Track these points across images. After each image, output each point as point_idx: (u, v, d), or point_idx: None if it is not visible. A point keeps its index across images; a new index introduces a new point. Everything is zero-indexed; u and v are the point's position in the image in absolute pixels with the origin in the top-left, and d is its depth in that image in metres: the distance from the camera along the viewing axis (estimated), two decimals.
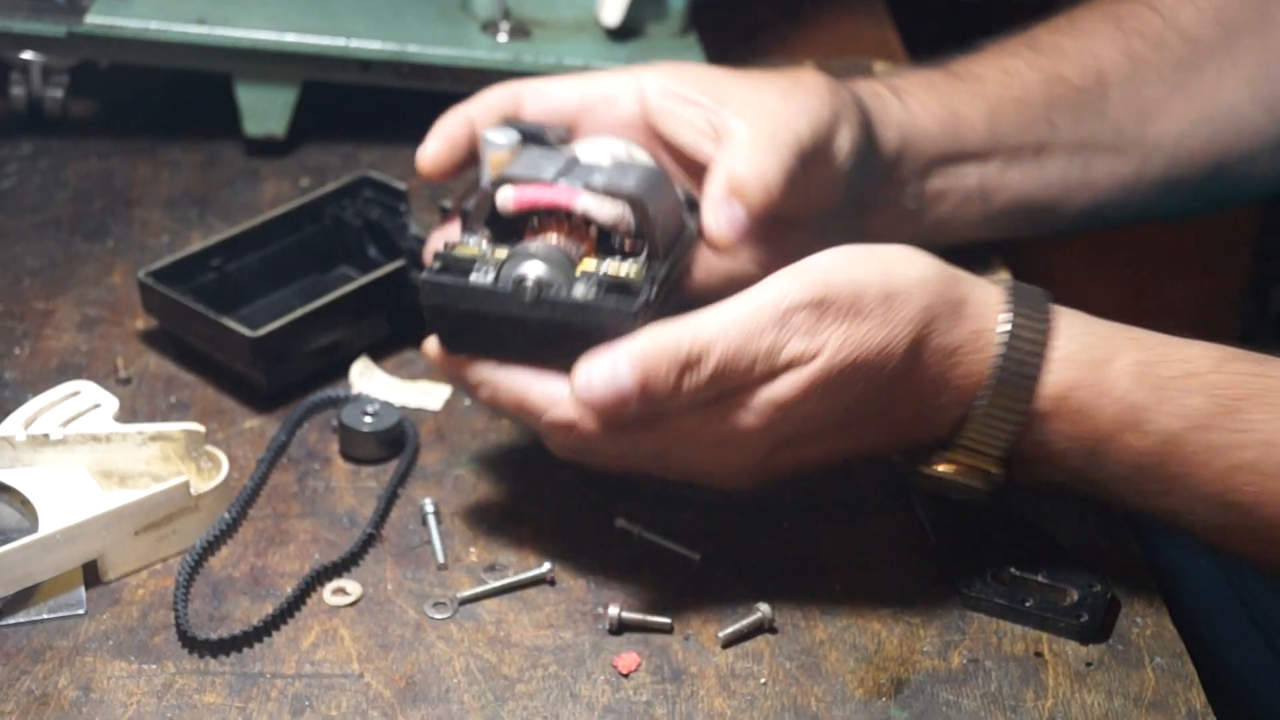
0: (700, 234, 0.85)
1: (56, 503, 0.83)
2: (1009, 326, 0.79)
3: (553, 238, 0.80)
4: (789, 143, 0.86)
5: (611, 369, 0.75)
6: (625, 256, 0.80)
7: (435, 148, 0.88)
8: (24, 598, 0.81)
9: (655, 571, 0.84)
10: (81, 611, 0.81)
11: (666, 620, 0.81)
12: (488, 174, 0.86)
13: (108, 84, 1.24)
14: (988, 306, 0.80)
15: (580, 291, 0.77)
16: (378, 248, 1.03)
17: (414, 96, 1.18)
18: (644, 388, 0.75)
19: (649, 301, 0.78)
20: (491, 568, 0.85)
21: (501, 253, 0.79)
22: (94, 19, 1.11)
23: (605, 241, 0.81)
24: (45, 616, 0.81)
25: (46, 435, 0.85)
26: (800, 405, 0.77)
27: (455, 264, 0.79)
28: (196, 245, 1.00)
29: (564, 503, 0.88)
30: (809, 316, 0.76)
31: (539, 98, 0.90)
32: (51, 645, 0.79)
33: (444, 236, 0.85)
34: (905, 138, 0.96)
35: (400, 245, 1.00)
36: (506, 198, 0.80)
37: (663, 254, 0.80)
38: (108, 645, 0.80)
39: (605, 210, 0.80)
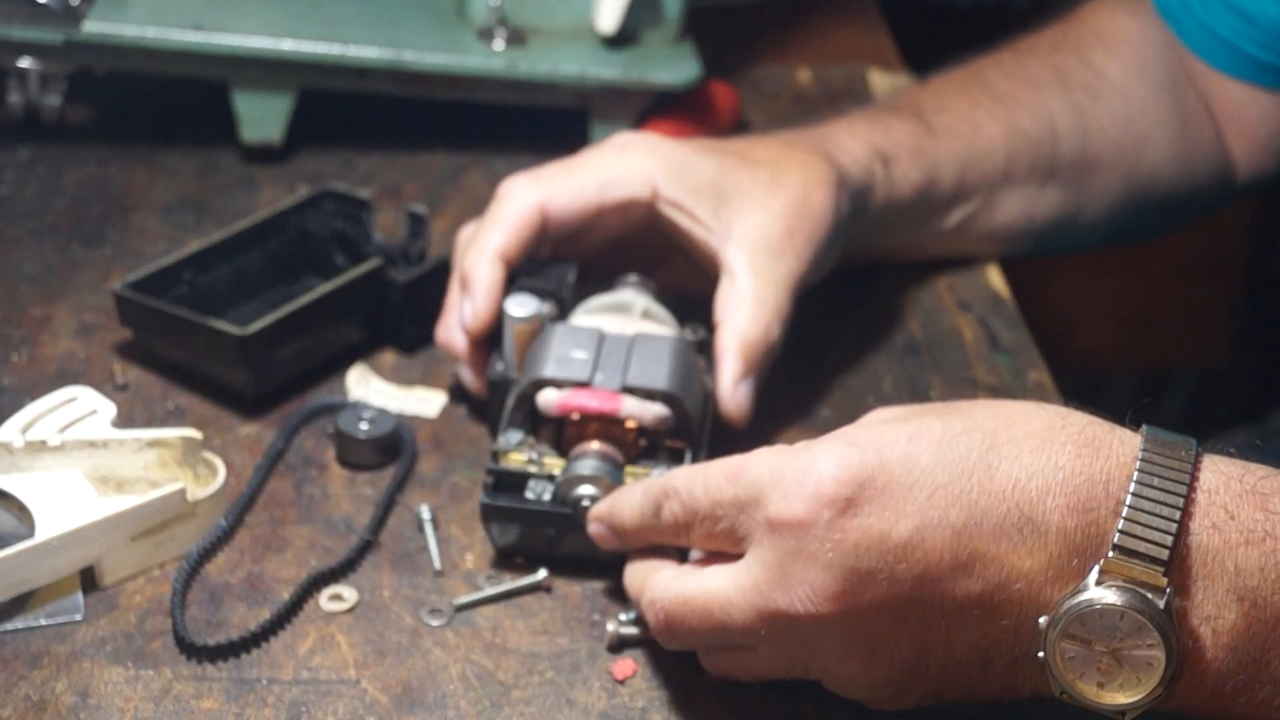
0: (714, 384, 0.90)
1: (54, 508, 0.83)
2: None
3: (594, 445, 0.83)
4: (789, 288, 0.91)
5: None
6: (667, 451, 0.85)
7: (482, 309, 0.90)
8: (21, 603, 0.81)
9: None
10: (79, 617, 0.81)
11: None
12: (510, 343, 0.89)
13: (105, 91, 1.24)
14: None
15: None
16: (345, 256, 1.03)
17: (410, 103, 1.19)
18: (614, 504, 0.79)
19: None
20: (488, 574, 0.85)
21: (551, 461, 0.84)
22: (91, 26, 1.12)
23: (645, 430, 0.85)
24: (43, 622, 0.81)
25: (44, 441, 0.85)
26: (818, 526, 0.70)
27: (508, 479, 0.83)
28: (164, 260, 0.99)
29: None
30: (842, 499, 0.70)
31: (562, 213, 0.92)
32: (49, 651, 0.80)
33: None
34: (883, 210, 1.01)
35: (367, 253, 1.02)
36: (550, 401, 0.84)
37: (699, 439, 0.86)
38: (105, 651, 0.80)
39: (648, 414, 0.84)
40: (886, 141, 1.01)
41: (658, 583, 0.76)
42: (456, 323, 0.93)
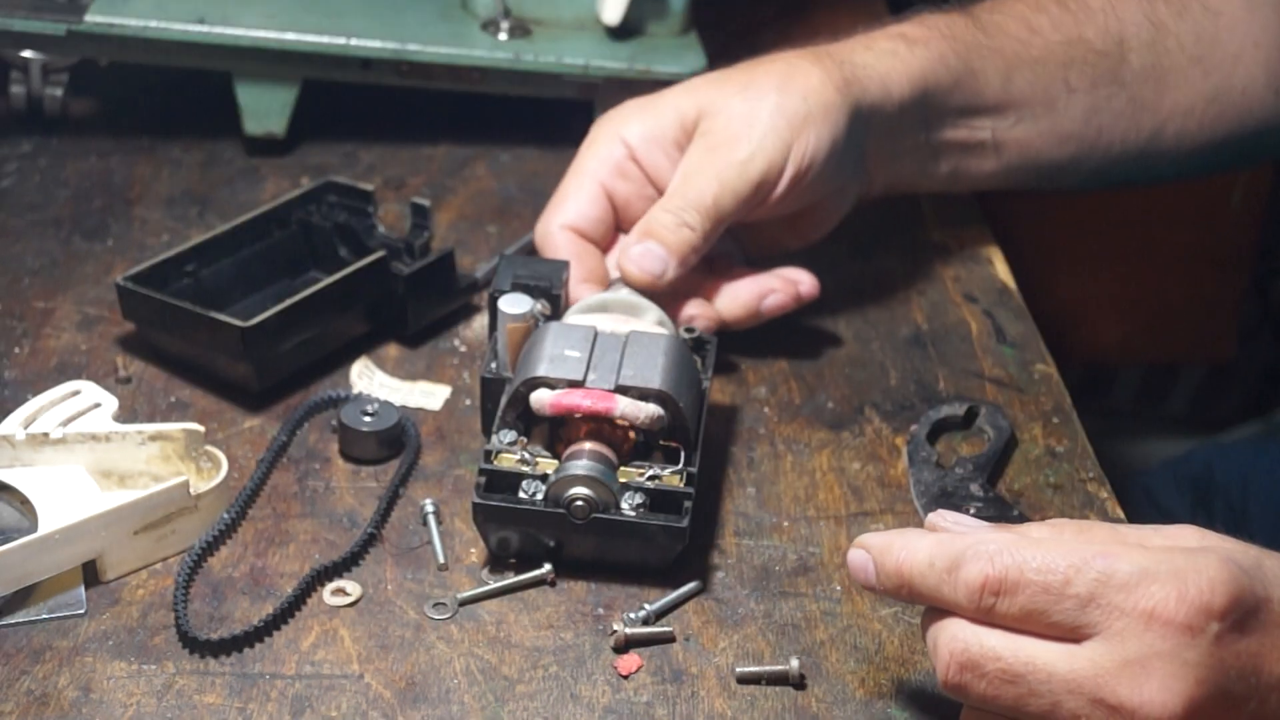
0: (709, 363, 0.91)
1: (56, 502, 0.83)
2: None
3: (587, 445, 0.83)
4: (714, 210, 0.93)
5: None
6: (662, 451, 0.85)
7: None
8: (23, 597, 0.81)
9: (655, 572, 0.84)
10: (81, 611, 0.81)
11: (669, 630, 0.81)
12: (503, 342, 0.89)
13: (107, 83, 1.24)
14: None
15: (628, 508, 0.82)
16: (348, 248, 1.03)
17: (414, 95, 1.18)
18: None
19: (692, 507, 0.82)
20: (491, 568, 0.85)
21: (544, 461, 0.84)
22: (94, 17, 1.11)
23: (638, 430, 0.85)
24: (45, 616, 0.81)
25: (46, 434, 0.85)
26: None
27: (501, 479, 0.83)
28: (167, 253, 0.99)
29: None
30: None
31: (587, 219, 0.97)
32: (51, 645, 0.79)
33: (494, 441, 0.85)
34: (918, 87, 0.99)
35: (370, 245, 1.01)
36: (543, 401, 0.84)
37: (694, 438, 0.85)
38: (107, 645, 0.79)
39: (642, 414, 0.83)
40: (916, 29, 1.00)
41: (964, 628, 0.69)
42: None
